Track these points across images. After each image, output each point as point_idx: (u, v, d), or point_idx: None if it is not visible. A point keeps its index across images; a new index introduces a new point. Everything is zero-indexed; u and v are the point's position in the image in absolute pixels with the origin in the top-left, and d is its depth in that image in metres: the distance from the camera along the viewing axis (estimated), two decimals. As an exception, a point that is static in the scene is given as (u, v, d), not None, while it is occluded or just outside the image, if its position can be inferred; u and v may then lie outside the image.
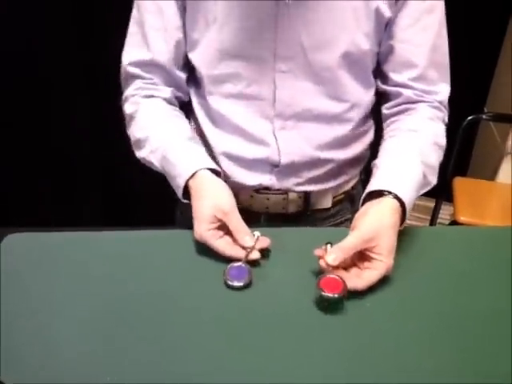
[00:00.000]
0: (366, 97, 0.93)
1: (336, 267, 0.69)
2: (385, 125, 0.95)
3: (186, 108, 0.99)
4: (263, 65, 0.85)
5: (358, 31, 0.83)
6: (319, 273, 0.70)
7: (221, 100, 0.91)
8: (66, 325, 0.65)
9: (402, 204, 0.74)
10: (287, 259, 0.76)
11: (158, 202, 2.16)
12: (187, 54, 0.91)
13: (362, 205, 0.77)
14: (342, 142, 0.94)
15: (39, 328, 0.64)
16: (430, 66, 0.87)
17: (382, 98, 0.95)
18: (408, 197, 0.76)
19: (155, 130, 0.88)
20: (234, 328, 0.65)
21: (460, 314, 0.68)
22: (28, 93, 1.93)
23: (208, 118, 0.94)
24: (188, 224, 0.78)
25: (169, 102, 0.93)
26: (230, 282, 0.69)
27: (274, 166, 0.93)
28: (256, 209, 0.96)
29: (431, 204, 2.03)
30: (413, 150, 0.83)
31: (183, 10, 0.87)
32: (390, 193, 0.75)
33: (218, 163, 0.91)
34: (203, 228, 0.74)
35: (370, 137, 0.99)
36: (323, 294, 0.65)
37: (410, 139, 0.86)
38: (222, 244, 0.74)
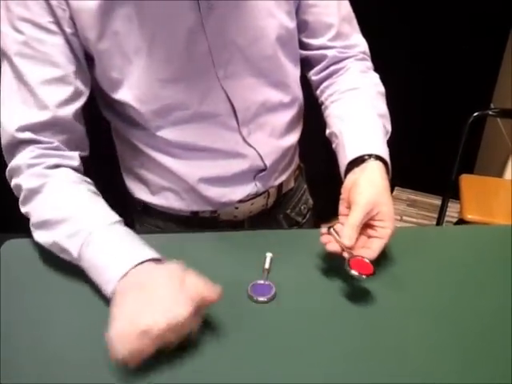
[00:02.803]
0: (298, 71, 0.93)
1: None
2: (319, 91, 0.95)
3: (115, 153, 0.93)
4: (206, 77, 0.80)
5: (281, 12, 0.83)
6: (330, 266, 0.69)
7: (175, 129, 0.82)
8: (65, 331, 0.64)
9: (383, 161, 0.76)
10: (291, 262, 0.75)
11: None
12: (109, 95, 0.80)
13: (345, 176, 0.78)
14: (294, 123, 0.95)
15: (37, 334, 0.63)
16: (342, 22, 0.90)
17: (305, 65, 0.95)
18: (385, 152, 0.78)
19: (74, 210, 0.72)
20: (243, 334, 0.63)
21: (467, 313, 0.67)
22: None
23: (166, 154, 0.85)
24: None
25: (78, 170, 0.79)
26: (255, 299, 0.69)
27: (258, 172, 0.91)
28: (241, 217, 0.95)
29: (438, 202, 2.02)
30: (365, 106, 0.85)
31: (80, 50, 0.75)
32: (369, 156, 0.76)
33: (195, 191, 0.88)
34: (186, 311, 0.58)
35: (301, 107, 0.98)
36: (355, 274, 0.66)
37: (355, 98, 0.88)
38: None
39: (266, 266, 0.72)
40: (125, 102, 0.79)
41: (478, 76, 2.32)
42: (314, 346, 0.62)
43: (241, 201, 0.92)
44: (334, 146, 0.86)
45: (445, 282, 0.73)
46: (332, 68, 0.92)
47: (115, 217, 0.72)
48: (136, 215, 0.99)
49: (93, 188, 0.78)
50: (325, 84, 0.94)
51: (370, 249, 0.71)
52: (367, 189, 0.73)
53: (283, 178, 0.97)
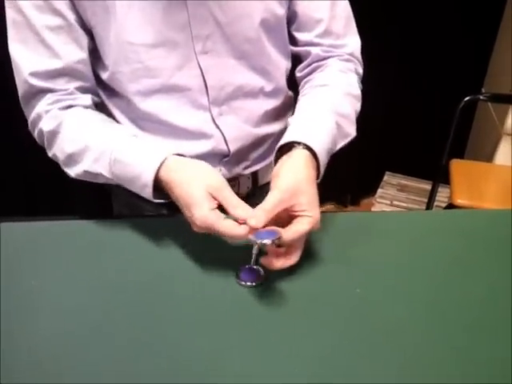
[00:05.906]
0: (287, 64, 0.92)
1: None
2: (300, 88, 0.93)
3: None
4: (182, 48, 0.79)
5: None
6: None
7: (142, 98, 0.82)
8: (58, 316, 0.63)
9: (315, 155, 0.73)
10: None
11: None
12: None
13: (276, 162, 0.74)
14: (277, 114, 0.93)
15: (29, 319, 0.62)
16: (333, 20, 0.87)
17: (294, 61, 0.94)
18: (319, 146, 0.74)
19: (93, 136, 0.77)
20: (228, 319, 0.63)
21: (457, 300, 0.66)
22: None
23: (134, 124, 0.86)
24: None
25: (89, 107, 0.83)
26: (243, 283, 0.68)
27: (222, 157, 0.89)
28: None
29: (428, 186, 2.02)
30: (323, 101, 0.83)
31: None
32: (299, 143, 0.73)
33: None
34: (206, 209, 0.65)
35: (289, 100, 0.98)
36: (258, 241, 0.64)
37: (320, 93, 0.85)
38: (229, 224, 0.65)
39: (254, 251, 0.72)
40: (101, 62, 0.80)
41: (469, 60, 2.31)
42: (302, 330, 0.62)
43: None
44: None
45: (434, 266, 0.72)
46: (314, 65, 0.91)
47: (129, 131, 0.78)
48: (114, 191, 0.99)
49: (104, 115, 0.82)
50: (304, 80, 0.92)
51: (288, 230, 0.66)
52: (287, 176, 0.69)
53: (256, 167, 0.95)
